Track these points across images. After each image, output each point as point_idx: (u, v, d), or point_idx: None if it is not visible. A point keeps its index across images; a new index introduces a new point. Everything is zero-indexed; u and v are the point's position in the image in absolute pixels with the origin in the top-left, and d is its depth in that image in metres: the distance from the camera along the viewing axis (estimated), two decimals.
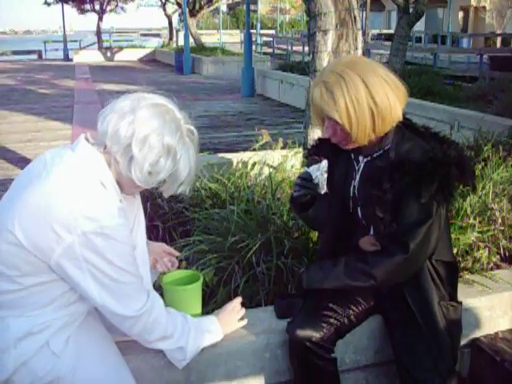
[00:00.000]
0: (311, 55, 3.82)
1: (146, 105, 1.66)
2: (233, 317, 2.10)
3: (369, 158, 2.05)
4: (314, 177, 2.06)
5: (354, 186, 2.10)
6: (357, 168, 2.09)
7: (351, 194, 2.11)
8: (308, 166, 2.14)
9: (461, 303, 2.09)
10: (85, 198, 1.59)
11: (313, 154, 2.22)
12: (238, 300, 2.15)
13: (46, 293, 1.66)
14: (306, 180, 2.10)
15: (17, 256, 1.59)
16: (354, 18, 3.68)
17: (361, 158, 2.08)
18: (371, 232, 2.09)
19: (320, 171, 2.05)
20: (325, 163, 2.06)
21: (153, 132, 1.63)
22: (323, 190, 2.07)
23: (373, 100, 1.87)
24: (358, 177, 2.09)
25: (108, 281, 1.62)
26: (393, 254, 1.94)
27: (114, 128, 1.63)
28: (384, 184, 1.94)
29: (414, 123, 2.08)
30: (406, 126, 2.04)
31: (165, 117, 1.66)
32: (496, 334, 2.48)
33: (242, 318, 2.14)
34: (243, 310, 2.15)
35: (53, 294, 1.67)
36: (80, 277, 1.60)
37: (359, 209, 2.09)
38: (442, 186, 1.89)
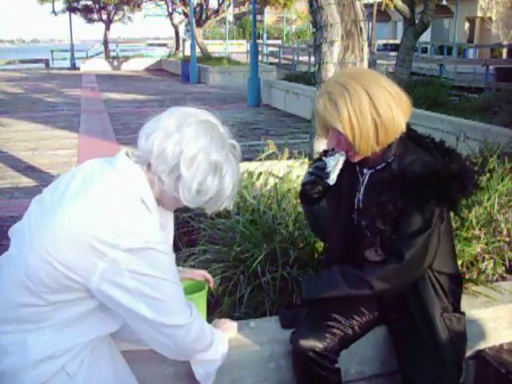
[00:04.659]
0: (317, 66, 3.84)
1: (192, 122, 1.61)
2: (229, 324, 2.14)
3: (373, 170, 2.07)
4: (328, 165, 2.02)
5: (359, 199, 2.11)
6: (361, 180, 2.11)
7: (356, 206, 2.12)
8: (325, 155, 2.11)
9: (464, 314, 2.09)
10: (126, 214, 1.54)
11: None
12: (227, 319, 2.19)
13: (67, 310, 1.61)
14: (318, 168, 2.07)
15: (47, 274, 1.53)
16: (360, 29, 3.70)
17: (365, 171, 2.09)
18: (376, 243, 2.10)
19: (335, 160, 2.01)
20: (342, 157, 2.02)
21: (201, 151, 1.59)
22: (332, 181, 2.03)
23: (376, 111, 1.88)
24: (362, 189, 2.10)
25: (157, 294, 1.57)
26: (387, 262, 1.97)
27: (160, 147, 1.58)
28: (385, 196, 1.95)
29: (418, 134, 2.09)
30: (410, 136, 2.05)
31: (211, 134, 1.62)
32: (501, 345, 2.48)
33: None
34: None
35: (74, 312, 1.62)
36: (125, 295, 1.55)
37: (363, 220, 2.10)
38: (443, 199, 1.90)
